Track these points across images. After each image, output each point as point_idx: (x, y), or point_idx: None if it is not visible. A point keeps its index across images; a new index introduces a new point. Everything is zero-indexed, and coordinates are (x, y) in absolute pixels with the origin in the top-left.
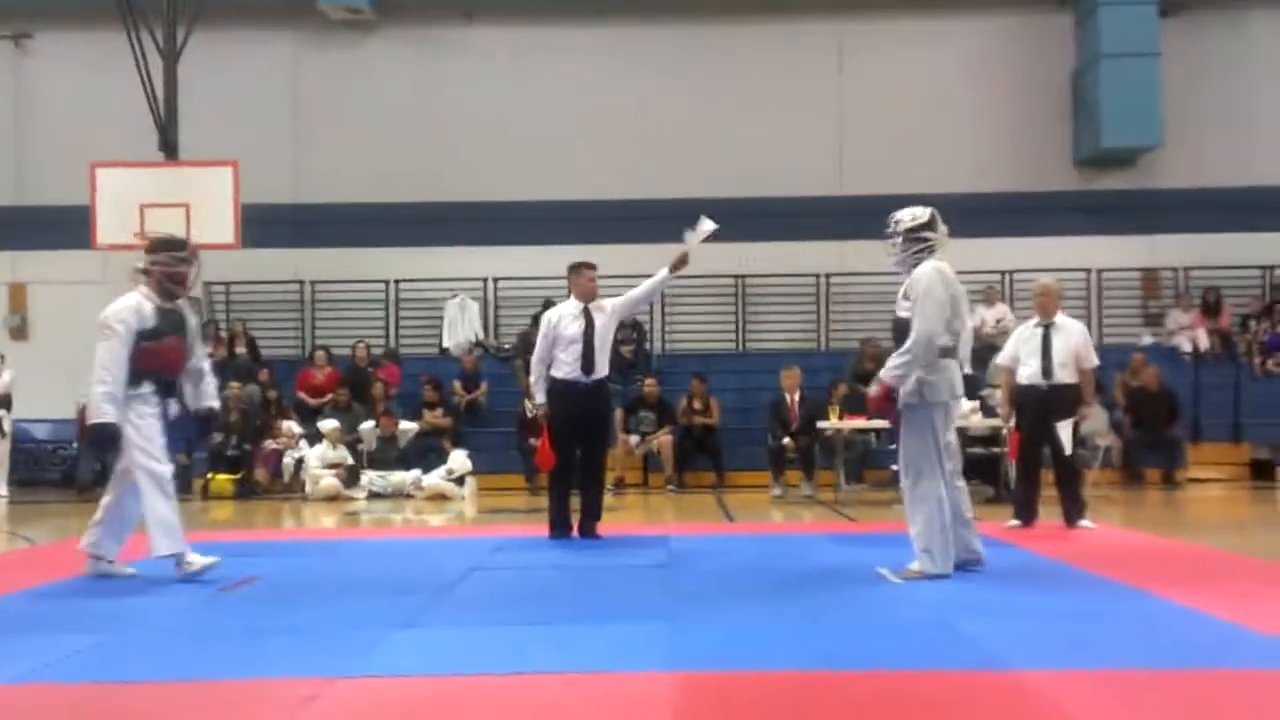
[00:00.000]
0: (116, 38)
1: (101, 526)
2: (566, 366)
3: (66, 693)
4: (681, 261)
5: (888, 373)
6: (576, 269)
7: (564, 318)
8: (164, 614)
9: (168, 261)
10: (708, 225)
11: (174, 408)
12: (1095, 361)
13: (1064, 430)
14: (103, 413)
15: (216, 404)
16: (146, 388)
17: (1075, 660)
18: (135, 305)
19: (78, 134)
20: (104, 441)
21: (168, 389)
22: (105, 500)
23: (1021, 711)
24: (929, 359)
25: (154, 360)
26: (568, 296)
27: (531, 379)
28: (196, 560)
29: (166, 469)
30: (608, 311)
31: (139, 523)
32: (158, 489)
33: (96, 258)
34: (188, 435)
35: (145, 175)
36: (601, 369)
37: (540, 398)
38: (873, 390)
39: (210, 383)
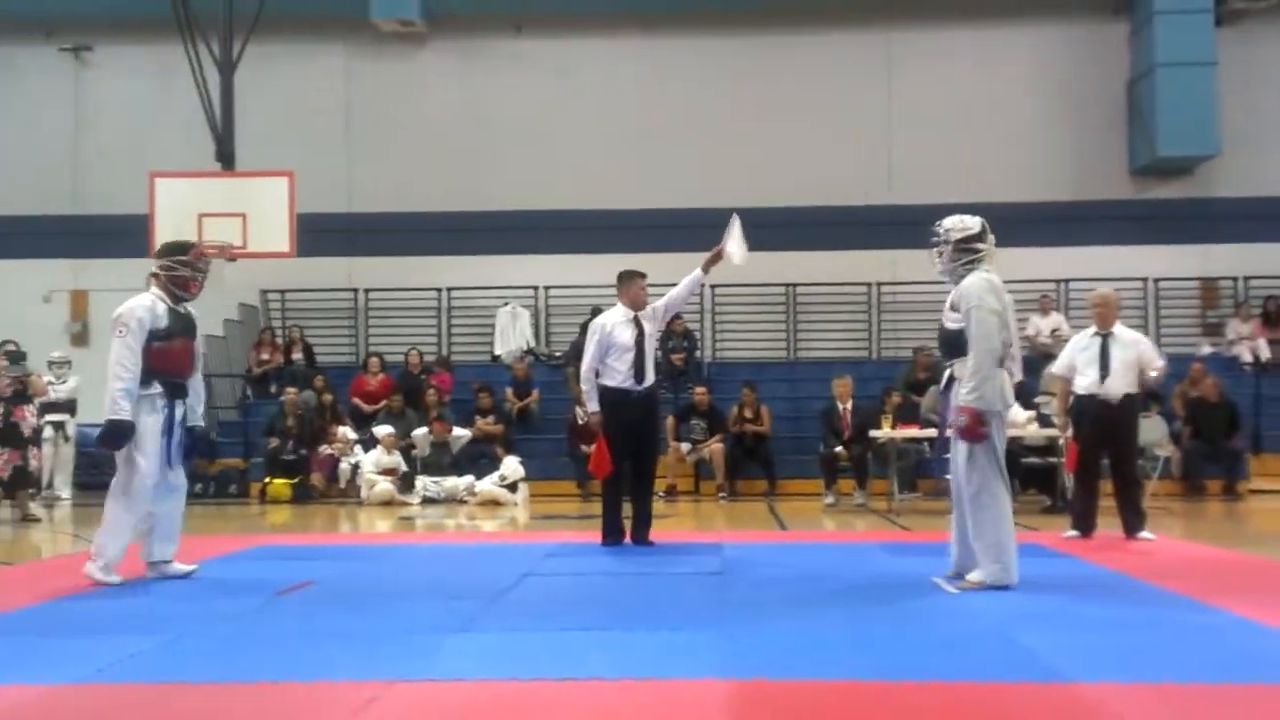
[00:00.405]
0: (174, 50)
1: (152, 534)
2: (620, 375)
3: (131, 693)
4: (714, 259)
5: (968, 400)
6: (628, 277)
7: (616, 325)
8: (223, 616)
9: (172, 265)
10: (736, 228)
11: (180, 410)
12: (1162, 362)
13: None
14: (120, 409)
15: (203, 424)
16: (155, 388)
17: (1135, 673)
18: (149, 304)
19: (136, 144)
20: (118, 438)
21: (175, 390)
22: (151, 509)
23: None
24: (992, 371)
25: (164, 360)
26: (615, 304)
27: (583, 387)
28: (103, 573)
29: (148, 481)
30: (651, 318)
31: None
32: (126, 497)
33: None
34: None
35: (203, 185)
36: (651, 376)
37: (593, 406)
38: (961, 422)
39: (202, 402)
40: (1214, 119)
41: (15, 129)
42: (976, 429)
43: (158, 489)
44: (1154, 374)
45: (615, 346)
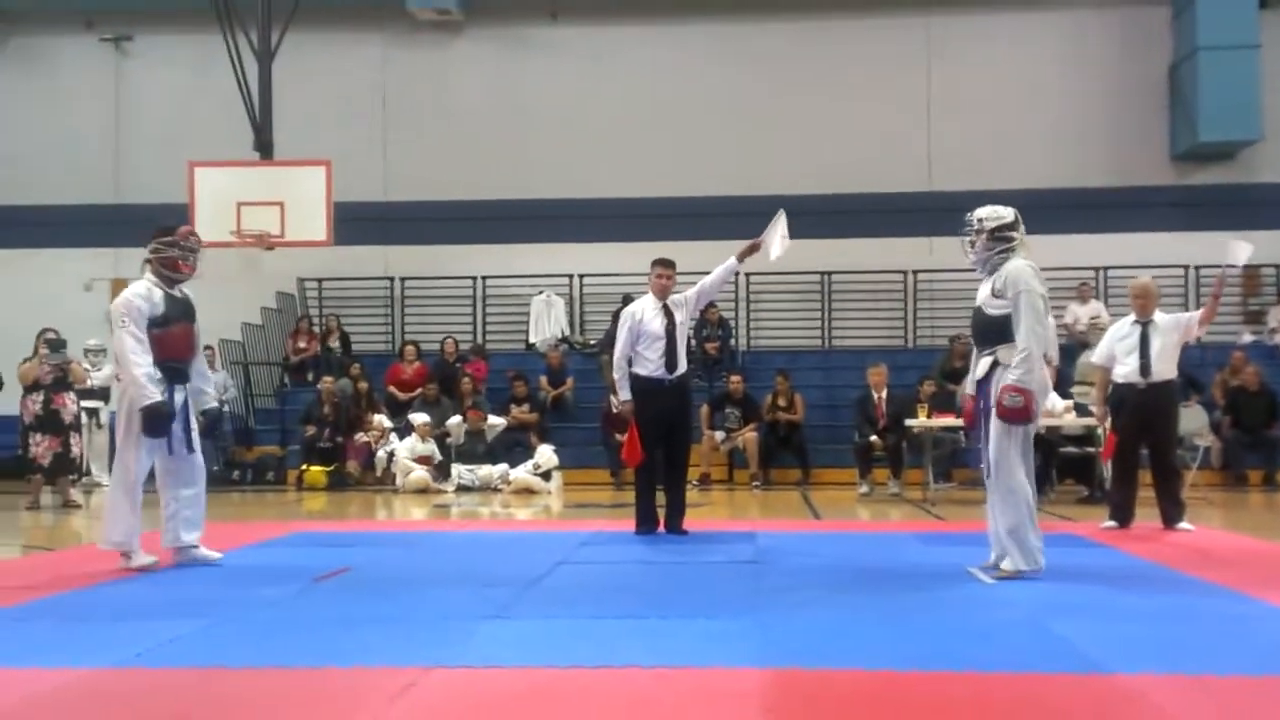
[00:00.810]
0: (213, 40)
1: (175, 519)
2: (651, 364)
3: (170, 677)
4: (751, 250)
5: (1024, 381)
6: (651, 266)
7: (646, 314)
8: (261, 602)
9: (159, 247)
10: (781, 223)
11: (181, 395)
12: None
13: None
14: (148, 394)
15: (215, 405)
16: (156, 375)
17: (1174, 664)
18: (145, 292)
19: (176, 133)
20: (158, 422)
21: (176, 376)
22: (168, 494)
23: (1121, 716)
24: (1042, 353)
25: (164, 346)
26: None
27: (615, 376)
28: (138, 558)
29: (142, 470)
30: (684, 306)
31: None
32: (124, 484)
33: None
34: (203, 433)
35: (241, 174)
36: (683, 365)
37: (625, 394)
38: (1018, 402)
39: (211, 385)
40: (1257, 103)
41: (56, 119)
42: (1031, 409)
43: (178, 474)
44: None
45: (646, 335)
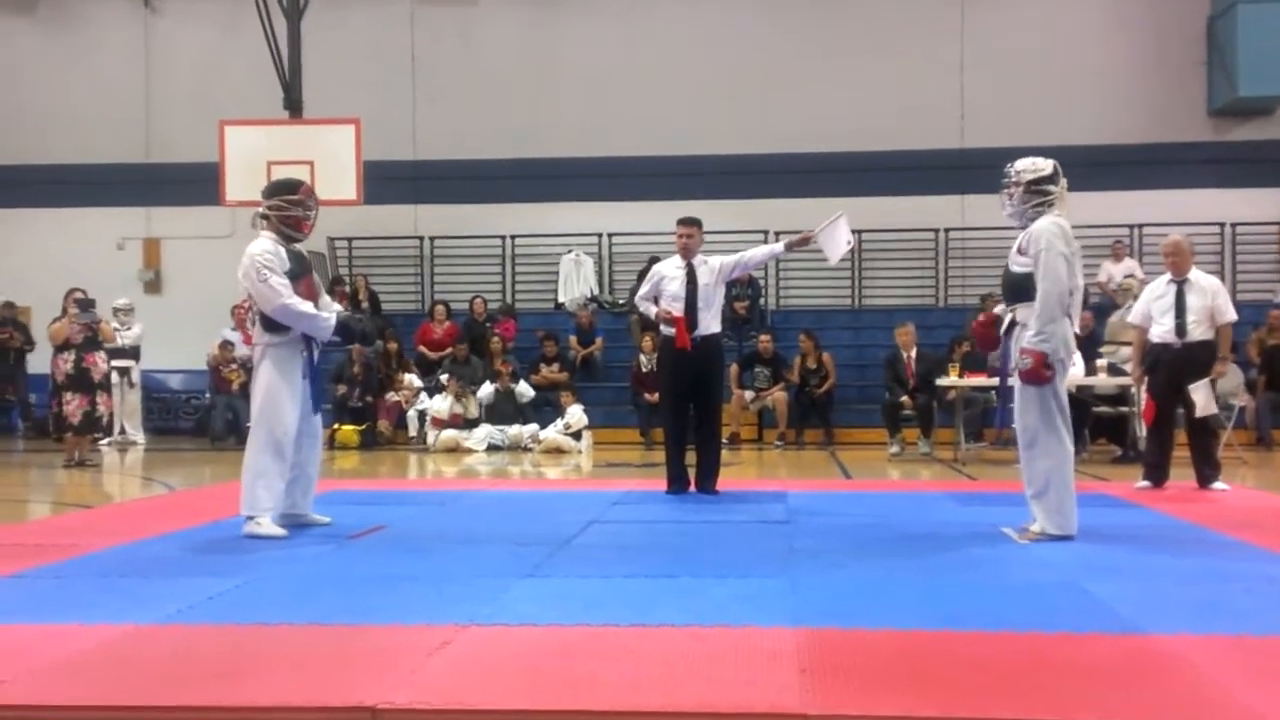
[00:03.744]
0: None
1: (294, 484)
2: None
3: (209, 634)
4: (801, 242)
5: (1033, 343)
6: (676, 225)
7: (669, 273)
8: (298, 560)
9: (281, 205)
10: (841, 226)
11: (316, 353)
12: (1233, 316)
13: (1201, 392)
14: (325, 320)
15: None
16: (293, 333)
17: (1210, 625)
18: (273, 247)
19: (206, 92)
20: (354, 329)
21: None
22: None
23: (1157, 676)
24: (1059, 315)
25: None
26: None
27: (637, 299)
28: (267, 527)
29: (293, 429)
30: (714, 269)
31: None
32: (274, 446)
33: (225, 213)
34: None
35: (271, 133)
36: (707, 326)
37: (652, 309)
38: (1026, 364)
39: (332, 306)
40: None
41: (87, 78)
42: (1041, 372)
43: (301, 437)
44: (1221, 366)
45: (666, 293)
